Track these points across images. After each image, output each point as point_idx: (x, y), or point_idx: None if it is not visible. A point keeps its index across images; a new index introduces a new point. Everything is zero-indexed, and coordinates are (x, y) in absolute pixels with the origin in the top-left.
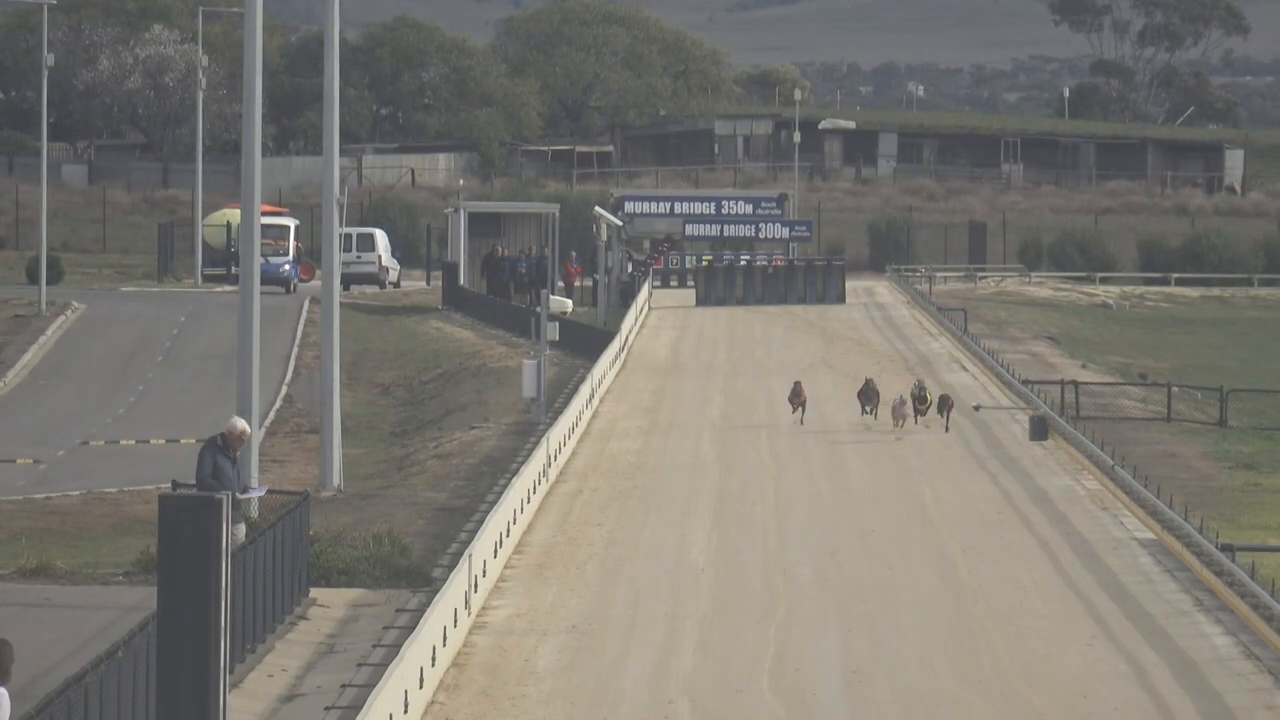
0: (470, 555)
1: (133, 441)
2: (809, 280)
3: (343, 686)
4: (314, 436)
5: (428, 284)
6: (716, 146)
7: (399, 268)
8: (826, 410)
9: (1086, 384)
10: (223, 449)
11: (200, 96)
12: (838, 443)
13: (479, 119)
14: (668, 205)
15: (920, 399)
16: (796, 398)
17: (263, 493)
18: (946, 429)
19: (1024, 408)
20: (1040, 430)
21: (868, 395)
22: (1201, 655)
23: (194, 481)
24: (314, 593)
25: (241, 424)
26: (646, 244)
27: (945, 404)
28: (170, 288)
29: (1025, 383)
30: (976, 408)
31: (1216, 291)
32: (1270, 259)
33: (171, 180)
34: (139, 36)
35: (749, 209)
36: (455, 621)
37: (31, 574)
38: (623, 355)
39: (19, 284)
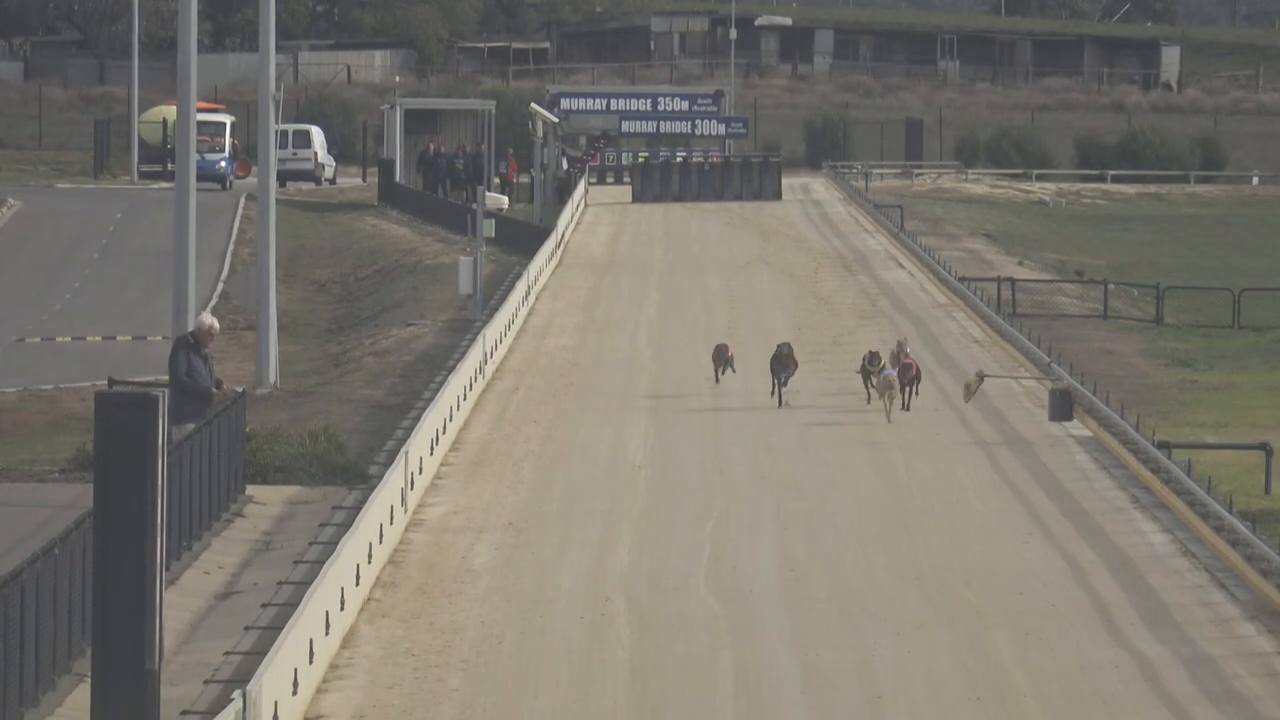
0: (407, 452)
1: (69, 338)
2: (745, 177)
3: (279, 584)
4: (250, 333)
5: (364, 181)
6: (652, 43)
7: (335, 165)
8: (765, 309)
9: (1023, 281)
10: (194, 347)
11: None
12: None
13: (415, 16)
14: (604, 102)
15: (873, 360)
16: (721, 358)
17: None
18: (906, 405)
19: (1039, 377)
20: (1063, 408)
21: (781, 363)
22: (1138, 552)
23: (169, 380)
24: (250, 490)
25: (210, 319)
26: (583, 141)
27: (908, 376)
28: (106, 184)
29: (962, 280)
30: (978, 381)
31: (1153, 189)
32: (1206, 156)
33: (108, 77)
34: None
35: (685, 106)
36: (392, 519)
37: None
38: (559, 252)
39: None
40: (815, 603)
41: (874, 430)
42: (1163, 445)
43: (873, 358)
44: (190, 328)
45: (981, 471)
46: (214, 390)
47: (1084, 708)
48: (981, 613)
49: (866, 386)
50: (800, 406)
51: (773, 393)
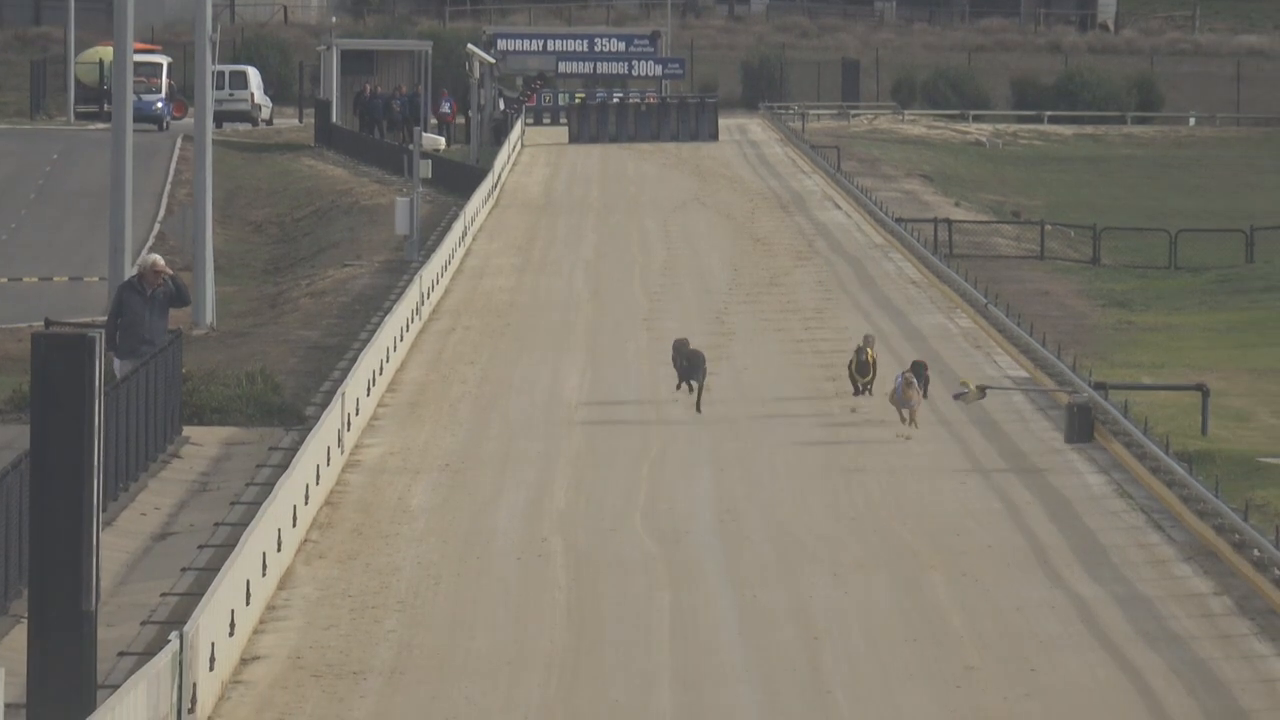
0: (343, 393)
1: (5, 279)
2: (682, 118)
3: (216, 525)
4: (186, 274)
5: (300, 122)
6: None
7: (271, 105)
8: (701, 250)
9: (960, 222)
10: (137, 287)
11: None
12: (713, 288)
13: None
14: (540, 43)
15: (862, 368)
16: (683, 364)
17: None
18: (914, 422)
19: (1053, 389)
20: (1082, 428)
21: (694, 365)
22: (1074, 493)
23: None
24: (187, 431)
25: (151, 258)
26: (519, 81)
27: (921, 374)
28: (42, 125)
29: (899, 220)
30: (978, 394)
31: (1089, 129)
32: (1143, 97)
33: (44, 17)
34: None
35: (622, 47)
36: (328, 460)
37: None
38: (496, 193)
39: None
40: (752, 543)
41: (812, 372)
42: (1099, 386)
43: (861, 366)
44: (128, 268)
45: (918, 413)
46: (144, 334)
47: (1020, 648)
48: (918, 554)
49: (854, 383)
50: (738, 348)
51: (687, 390)
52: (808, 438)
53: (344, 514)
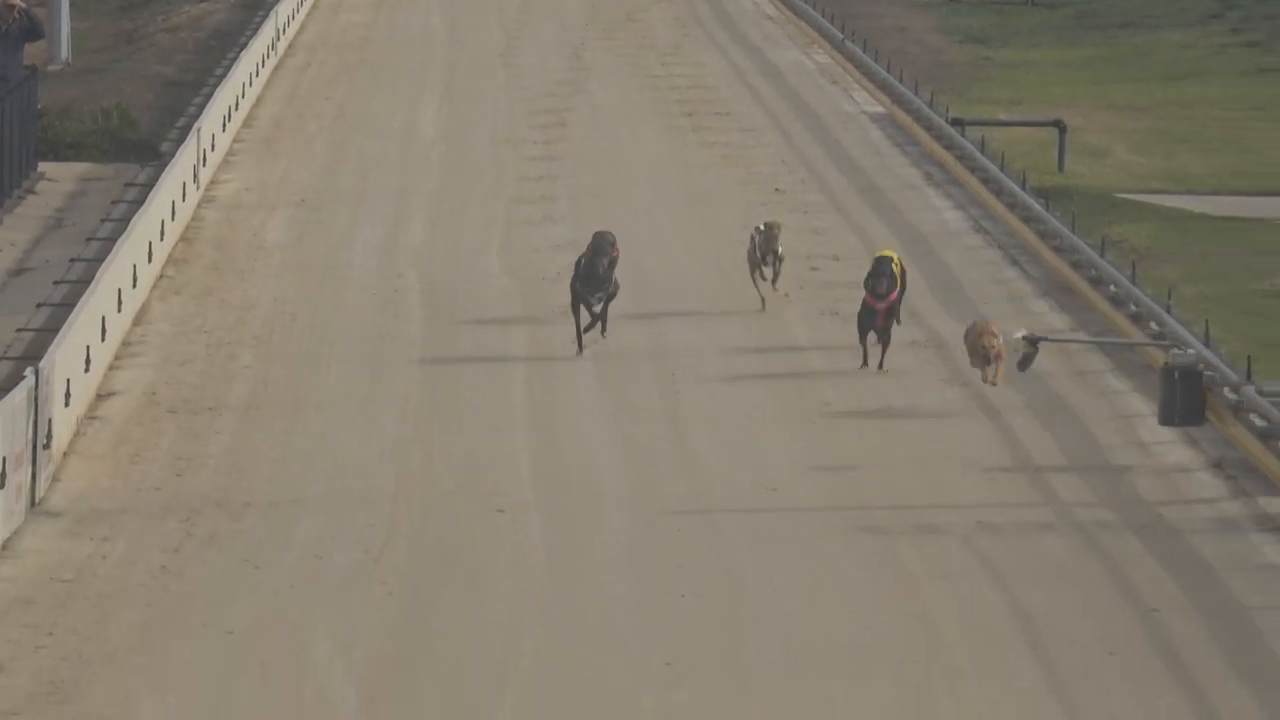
0: (199, 129)
1: None
2: None
3: (71, 260)
4: (41, 9)
5: None
6: None
7: None
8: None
9: None
10: None
11: None
12: (570, 24)
13: None
14: None
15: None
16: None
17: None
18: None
19: (1141, 344)
20: (1186, 405)
21: (602, 269)
22: (931, 229)
23: None
24: (42, 167)
25: None
26: None
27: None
28: None
29: None
30: (1030, 347)
31: None
32: None
33: None
34: None
35: None
36: (184, 195)
37: None
38: None
39: None
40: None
41: (667, 107)
42: (956, 122)
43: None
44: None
45: (776, 148)
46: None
47: (878, 385)
48: (776, 291)
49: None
50: (594, 84)
51: (584, 329)
52: (663, 172)
53: (200, 250)
